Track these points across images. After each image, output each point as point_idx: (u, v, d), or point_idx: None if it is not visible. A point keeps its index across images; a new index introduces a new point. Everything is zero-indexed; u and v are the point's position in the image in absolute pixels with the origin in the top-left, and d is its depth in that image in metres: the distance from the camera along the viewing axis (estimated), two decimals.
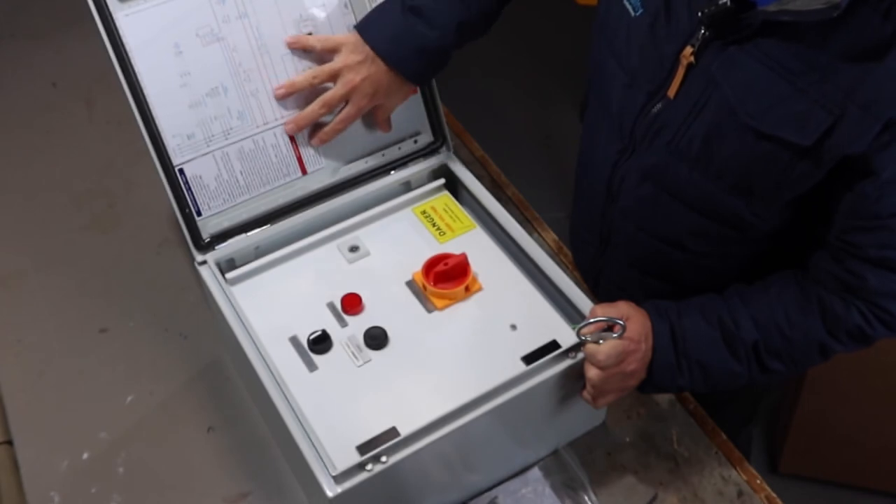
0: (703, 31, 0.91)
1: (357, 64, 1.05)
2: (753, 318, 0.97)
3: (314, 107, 1.07)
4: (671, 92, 0.97)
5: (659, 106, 0.99)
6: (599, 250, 1.17)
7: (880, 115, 0.84)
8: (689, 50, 0.93)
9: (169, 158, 1.03)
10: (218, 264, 1.06)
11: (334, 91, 1.06)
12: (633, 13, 0.99)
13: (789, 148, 0.90)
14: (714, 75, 0.92)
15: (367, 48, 1.05)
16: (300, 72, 1.07)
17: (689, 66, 0.94)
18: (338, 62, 1.06)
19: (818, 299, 0.95)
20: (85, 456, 1.09)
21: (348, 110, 1.07)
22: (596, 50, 1.09)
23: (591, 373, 0.95)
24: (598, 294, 1.23)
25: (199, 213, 1.06)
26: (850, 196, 0.91)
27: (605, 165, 1.09)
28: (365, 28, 1.06)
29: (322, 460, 0.87)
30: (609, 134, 1.08)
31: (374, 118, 1.12)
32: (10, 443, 1.11)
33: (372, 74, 1.06)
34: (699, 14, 0.89)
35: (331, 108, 1.07)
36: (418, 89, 1.15)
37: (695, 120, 0.95)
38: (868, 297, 0.93)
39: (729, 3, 0.87)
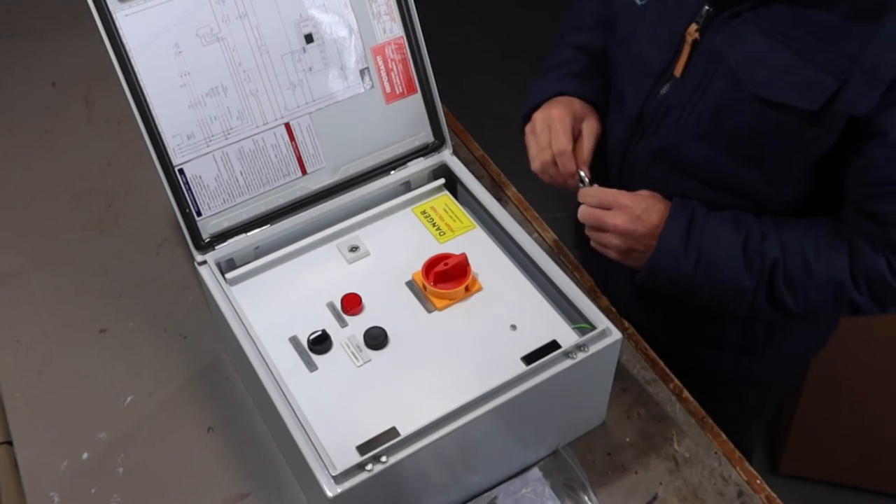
0: (706, 7, 0.93)
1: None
2: (782, 241, 0.98)
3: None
4: (677, 71, 0.99)
5: (667, 87, 1.01)
6: None
7: (884, 77, 0.86)
8: (693, 27, 0.96)
9: (169, 158, 1.03)
10: (218, 264, 1.06)
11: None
12: (638, 1, 1.01)
13: (797, 114, 0.91)
14: (719, 49, 0.94)
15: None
16: (300, 72, 1.07)
17: (695, 44, 0.96)
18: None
19: (849, 239, 0.96)
20: (85, 456, 1.09)
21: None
22: (609, 48, 1.12)
23: (582, 211, 1.04)
24: (609, 290, 1.24)
25: (198, 213, 1.06)
26: (861, 161, 0.92)
27: (616, 154, 1.12)
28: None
29: (322, 460, 0.87)
30: (619, 122, 1.10)
31: None
32: (9, 443, 1.11)
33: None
34: None
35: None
36: (419, 89, 1.15)
37: (702, 95, 0.98)
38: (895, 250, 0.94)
39: None
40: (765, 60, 0.92)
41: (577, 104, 1.12)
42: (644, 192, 1.05)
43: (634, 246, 1.03)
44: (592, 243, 1.08)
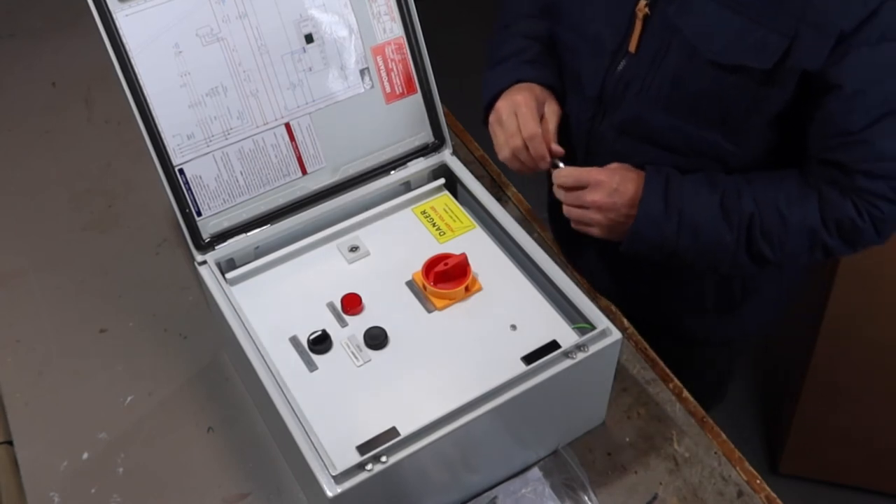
0: None
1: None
2: (755, 195, 1.01)
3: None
4: (632, 47, 1.03)
5: (623, 63, 1.05)
6: None
7: (831, 30, 0.91)
8: (643, 3, 1.00)
9: (169, 158, 1.03)
10: (218, 264, 1.06)
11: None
12: None
13: (752, 74, 0.96)
14: (673, 21, 0.97)
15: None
16: (300, 72, 1.07)
17: (646, 19, 1.00)
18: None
19: (818, 187, 1.00)
20: (85, 456, 1.09)
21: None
22: (557, 33, 1.15)
23: (559, 193, 1.07)
24: (582, 264, 1.26)
25: (199, 213, 1.06)
26: (820, 115, 0.97)
27: (580, 134, 1.15)
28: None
29: (322, 460, 0.87)
30: (580, 105, 1.13)
31: None
32: (10, 443, 1.11)
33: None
34: None
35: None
36: (419, 89, 1.15)
37: (659, 67, 1.01)
38: (861, 196, 0.98)
39: None
40: (717, 27, 0.96)
41: (537, 89, 1.14)
42: (614, 165, 1.07)
43: (616, 218, 1.05)
44: (574, 224, 1.10)
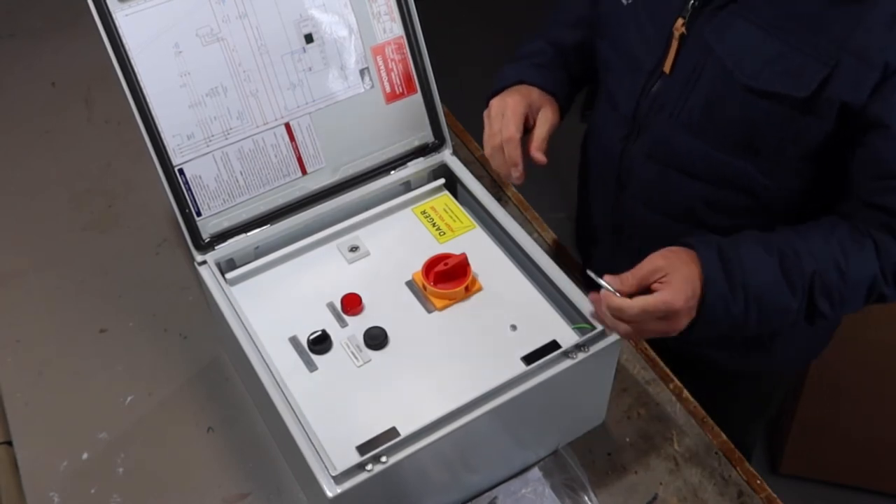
0: (692, 1, 0.94)
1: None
2: (811, 250, 0.93)
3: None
4: (667, 67, 1.00)
5: (658, 84, 1.02)
6: (614, 242, 1.17)
7: (876, 61, 0.86)
8: (680, 21, 0.97)
9: (169, 158, 1.03)
10: (218, 264, 1.06)
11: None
12: (624, 2, 1.02)
13: (788, 102, 0.91)
14: (707, 41, 0.94)
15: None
16: (300, 72, 1.07)
17: (682, 39, 0.97)
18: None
19: (871, 234, 0.94)
20: (84, 456, 1.09)
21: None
22: (599, 48, 1.12)
23: (621, 328, 0.90)
24: None
25: (198, 214, 1.06)
26: (865, 154, 0.91)
27: (613, 156, 1.12)
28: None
29: (322, 460, 0.87)
30: (615, 124, 1.10)
31: None
32: (9, 443, 1.11)
33: None
34: None
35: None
36: (419, 89, 1.15)
37: (693, 89, 0.98)
38: None
39: None
40: (754, 50, 0.92)
41: (534, 93, 1.13)
42: (663, 266, 0.91)
43: (692, 321, 0.94)
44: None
